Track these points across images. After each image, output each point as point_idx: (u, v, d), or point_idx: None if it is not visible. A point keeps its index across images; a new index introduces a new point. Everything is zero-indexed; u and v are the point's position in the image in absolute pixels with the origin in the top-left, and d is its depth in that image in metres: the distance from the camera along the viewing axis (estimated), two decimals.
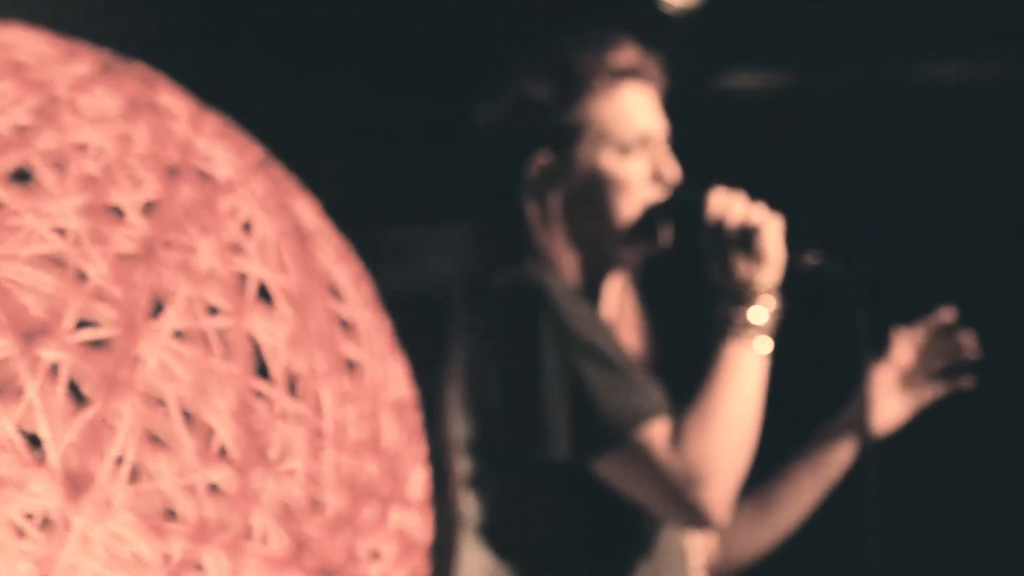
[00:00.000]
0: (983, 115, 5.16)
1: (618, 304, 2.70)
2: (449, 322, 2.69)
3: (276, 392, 1.12)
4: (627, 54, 2.67)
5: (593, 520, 2.52)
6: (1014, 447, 5.30)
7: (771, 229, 2.58)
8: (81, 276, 1.21)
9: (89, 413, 1.14)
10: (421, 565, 1.17)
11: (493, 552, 2.54)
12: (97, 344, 1.26)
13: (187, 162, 1.16)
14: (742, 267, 2.57)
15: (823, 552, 3.91)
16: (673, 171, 2.63)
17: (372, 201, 5.50)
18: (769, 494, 2.89)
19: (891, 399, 2.89)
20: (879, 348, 2.86)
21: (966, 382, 2.90)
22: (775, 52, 5.28)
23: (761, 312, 2.51)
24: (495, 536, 2.56)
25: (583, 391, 2.46)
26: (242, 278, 1.16)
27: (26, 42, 1.33)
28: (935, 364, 2.93)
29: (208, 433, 1.13)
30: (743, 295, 2.52)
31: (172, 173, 1.14)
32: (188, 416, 1.15)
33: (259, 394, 1.17)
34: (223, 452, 1.15)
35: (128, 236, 1.12)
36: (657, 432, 2.45)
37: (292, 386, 1.17)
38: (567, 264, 2.58)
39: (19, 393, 1.22)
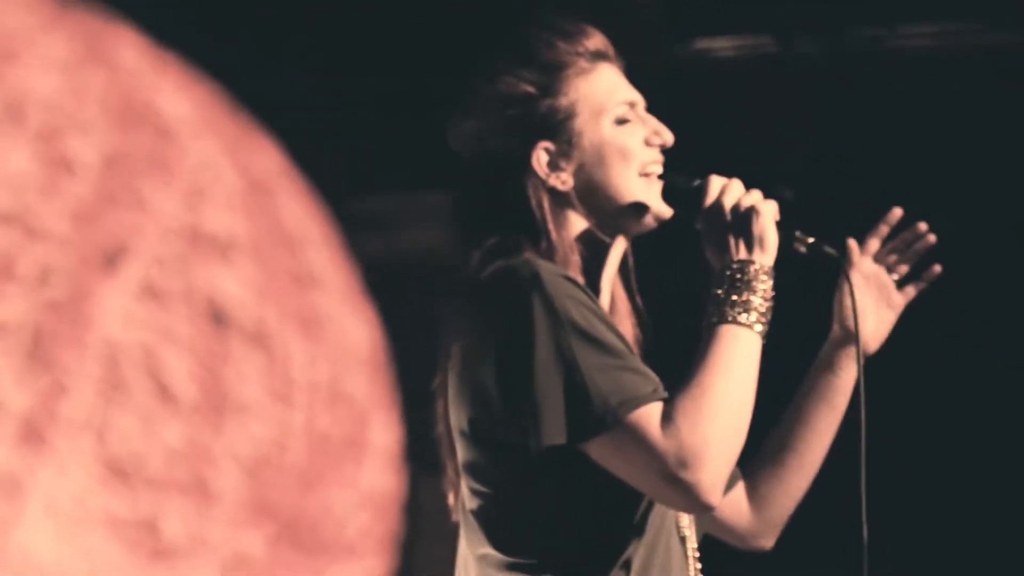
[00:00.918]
0: (958, 80, 5.17)
1: (612, 293, 2.73)
2: (431, 290, 2.69)
3: (240, 345, 1.10)
4: (596, 39, 2.71)
5: (589, 507, 2.51)
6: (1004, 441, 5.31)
7: (767, 213, 2.62)
8: (34, 232, 1.18)
9: (47, 372, 1.12)
10: (390, 523, 1.16)
11: (488, 539, 2.54)
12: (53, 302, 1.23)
13: (147, 111, 1.14)
14: (740, 249, 2.60)
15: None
16: (666, 134, 2.68)
17: (348, 169, 5.49)
18: (787, 441, 2.95)
19: (871, 312, 2.96)
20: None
21: (933, 272, 2.98)
22: (750, 18, 5.27)
23: (757, 293, 2.53)
24: (490, 523, 2.55)
25: (576, 374, 2.45)
26: (204, 230, 1.13)
27: None
28: (899, 266, 3.03)
29: (169, 387, 1.11)
30: (740, 277, 2.55)
31: (131, 123, 1.12)
32: (149, 370, 1.13)
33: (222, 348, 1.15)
34: (185, 406, 1.13)
35: (83, 189, 1.10)
36: (650, 414, 2.44)
37: (257, 338, 1.14)
38: (570, 251, 2.60)
39: None
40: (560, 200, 2.65)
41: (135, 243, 1.03)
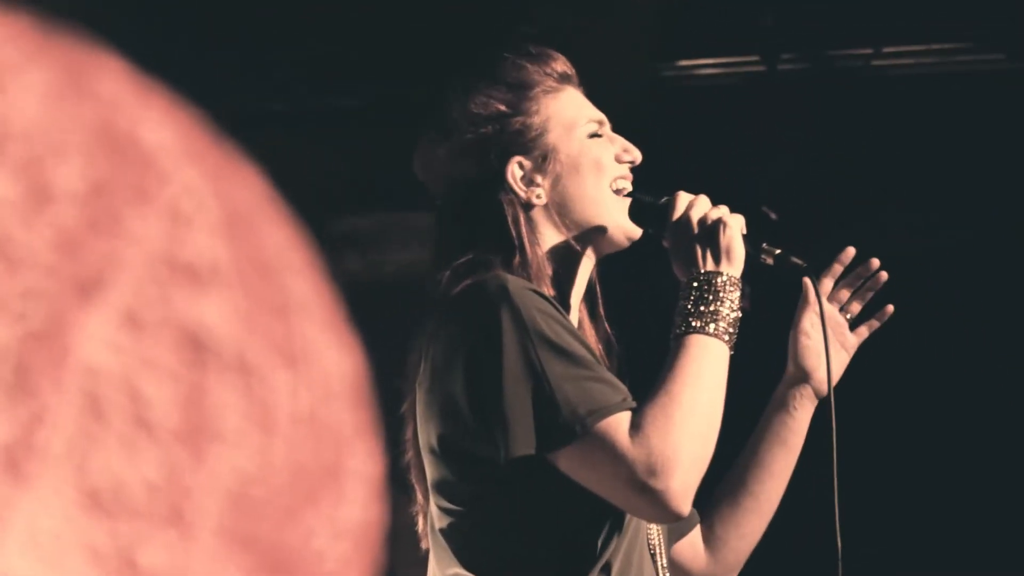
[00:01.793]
0: (943, 100, 5.19)
1: (580, 314, 2.73)
2: (407, 308, 2.69)
3: (221, 374, 1.09)
4: (562, 64, 2.76)
5: (560, 521, 2.49)
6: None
7: (734, 225, 2.63)
8: (14, 261, 1.16)
9: (27, 402, 1.10)
10: (372, 553, 1.14)
11: (458, 558, 2.52)
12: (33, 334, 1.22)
13: (129, 140, 1.13)
14: (707, 261, 2.61)
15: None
16: (635, 151, 2.71)
17: (328, 188, 5.48)
18: (743, 482, 2.92)
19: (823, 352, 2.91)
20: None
21: (886, 312, 2.92)
22: (736, 39, 5.29)
23: (725, 304, 2.54)
24: (459, 541, 2.51)
25: (545, 384, 2.44)
26: (185, 258, 1.12)
27: None
28: (852, 304, 2.99)
29: (149, 418, 1.10)
30: (708, 288, 2.55)
31: (113, 152, 1.11)
32: (130, 401, 1.12)
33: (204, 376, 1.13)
34: (164, 436, 1.12)
35: (64, 218, 1.09)
36: (619, 423, 2.43)
37: (238, 367, 1.13)
38: (544, 266, 2.61)
39: None
40: (535, 215, 2.66)
41: (116, 272, 1.02)
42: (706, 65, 5.37)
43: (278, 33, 5.00)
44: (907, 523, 5.32)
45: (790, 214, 2.79)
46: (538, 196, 2.66)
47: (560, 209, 2.67)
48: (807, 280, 2.90)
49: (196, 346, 1.03)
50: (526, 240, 2.62)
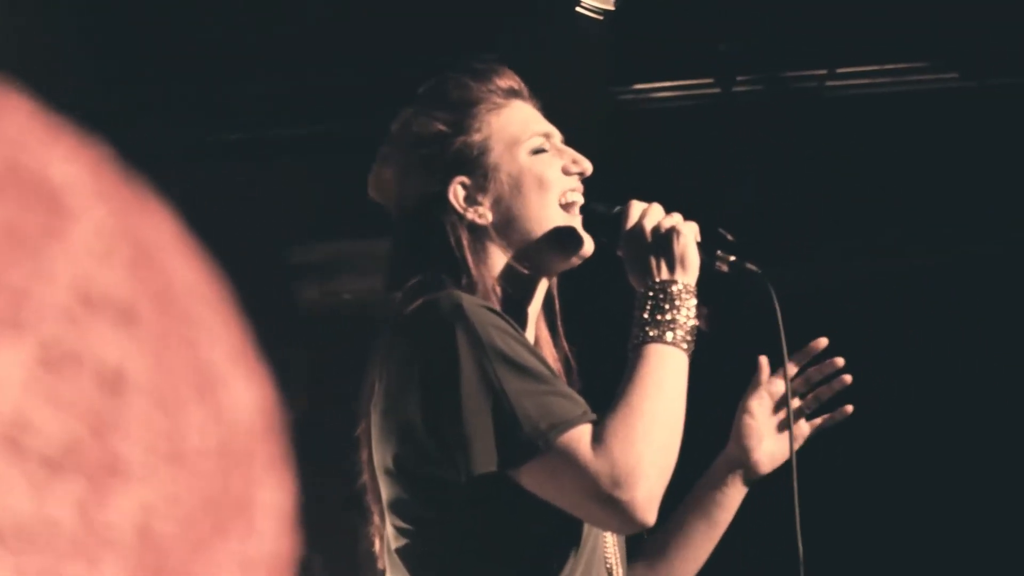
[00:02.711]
0: (897, 120, 5.21)
1: (536, 333, 2.71)
2: (365, 338, 2.67)
3: (130, 409, 1.09)
4: (508, 78, 2.72)
5: (519, 539, 2.47)
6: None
7: (688, 233, 2.61)
8: None
9: None
10: None
11: (412, 573, 2.50)
12: None
13: (35, 179, 1.13)
14: (662, 270, 2.59)
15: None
16: (584, 163, 2.69)
17: (287, 218, 5.48)
18: (664, 548, 2.86)
19: (769, 435, 2.88)
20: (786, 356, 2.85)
21: (844, 411, 2.84)
22: (691, 63, 5.30)
23: (681, 312, 2.52)
24: (416, 561, 2.49)
25: (504, 401, 2.42)
26: (94, 295, 1.12)
27: None
28: (808, 396, 2.88)
29: (55, 455, 1.10)
30: (663, 297, 2.53)
31: (19, 190, 1.11)
32: (35, 437, 1.12)
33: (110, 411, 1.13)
34: (71, 472, 1.12)
35: None
36: (581, 436, 2.42)
37: (147, 402, 1.13)
38: (492, 287, 2.59)
39: None
40: (480, 235, 2.63)
41: (25, 312, 1.01)
42: (662, 88, 5.38)
43: (235, 65, 5.01)
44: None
45: (748, 236, 2.78)
46: (481, 215, 2.63)
47: (505, 228, 2.64)
48: (763, 359, 2.85)
49: (103, 381, 1.02)
50: (469, 261, 2.59)
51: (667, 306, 2.53)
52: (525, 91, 2.74)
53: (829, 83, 5.26)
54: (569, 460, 2.38)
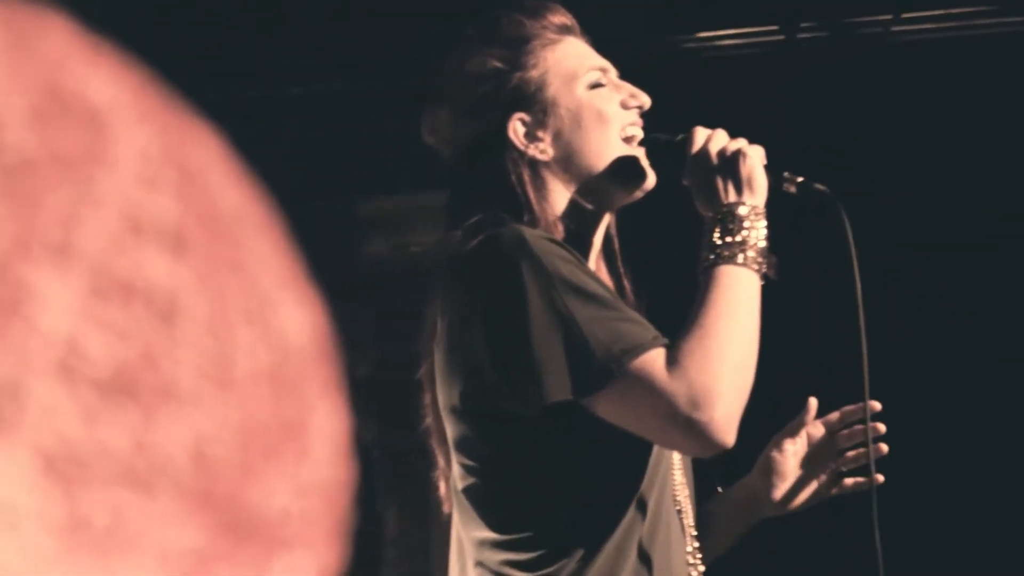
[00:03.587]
0: (964, 66, 5.13)
1: (595, 262, 2.69)
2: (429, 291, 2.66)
3: (180, 334, 1.08)
4: (560, 14, 2.70)
5: (587, 475, 2.44)
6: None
7: (754, 155, 2.59)
8: None
9: None
10: (341, 514, 1.12)
11: (482, 518, 2.46)
12: None
13: (79, 101, 1.12)
14: (729, 192, 2.56)
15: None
16: (642, 96, 2.68)
17: (353, 172, 5.48)
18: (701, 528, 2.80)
19: (790, 475, 2.81)
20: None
21: (872, 481, 2.70)
22: (754, 9, 5.24)
23: (752, 234, 2.50)
24: (484, 500, 2.46)
25: (575, 328, 2.38)
26: (141, 219, 1.11)
27: None
28: (846, 454, 2.80)
29: (105, 379, 1.09)
30: (732, 219, 2.51)
31: (63, 113, 1.10)
32: (85, 362, 1.11)
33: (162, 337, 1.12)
34: (122, 397, 1.11)
35: (14, 184, 1.07)
36: (655, 359, 2.38)
37: (197, 327, 1.12)
38: (554, 224, 2.57)
39: None
40: (541, 171, 2.60)
41: (71, 234, 1.00)
42: (725, 36, 5.33)
43: (296, 17, 5.01)
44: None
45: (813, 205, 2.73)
46: (542, 151, 2.61)
47: (566, 164, 2.62)
48: (812, 401, 2.80)
49: (153, 307, 1.01)
50: (531, 197, 2.57)
51: (736, 228, 2.50)
52: (577, 28, 2.72)
53: (894, 28, 5.18)
54: (645, 383, 2.35)
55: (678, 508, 2.59)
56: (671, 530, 2.53)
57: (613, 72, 2.70)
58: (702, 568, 2.62)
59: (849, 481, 2.82)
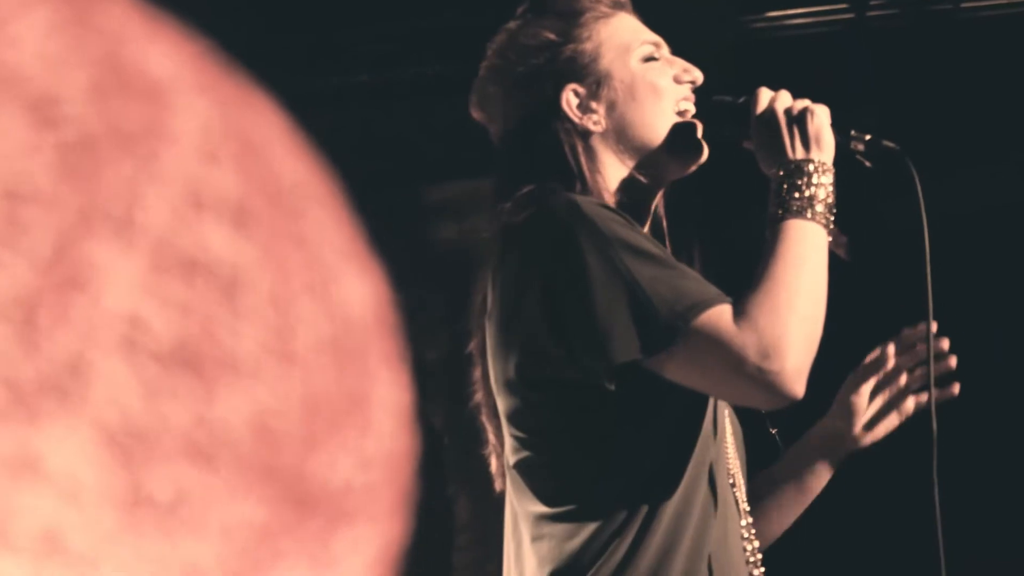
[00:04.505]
0: None
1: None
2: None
3: (242, 306, 1.07)
4: None
5: (639, 450, 2.44)
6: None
7: (821, 113, 2.57)
8: (33, 201, 1.14)
9: (49, 342, 1.09)
10: (403, 485, 1.11)
11: (534, 492, 2.44)
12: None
13: (139, 73, 1.11)
14: (797, 149, 2.54)
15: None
16: (695, 71, 2.68)
17: (422, 157, 5.47)
18: (754, 506, 2.73)
19: (873, 410, 2.83)
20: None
21: (951, 391, 2.75)
22: None
23: (820, 190, 2.48)
24: (536, 474, 2.44)
25: (637, 288, 2.37)
26: (203, 192, 1.10)
27: None
28: (915, 375, 2.83)
29: (169, 351, 1.08)
30: (800, 175, 2.51)
31: (124, 86, 1.09)
32: (148, 335, 1.10)
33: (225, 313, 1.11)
34: (185, 369, 1.10)
35: (77, 156, 1.06)
36: (721, 313, 2.34)
37: (258, 299, 1.10)
38: (607, 195, 2.56)
39: None
40: (594, 143, 2.60)
41: (133, 209, 0.99)
42: (794, 15, 5.29)
43: (364, 6, 5.02)
44: None
45: (882, 163, 2.70)
46: (595, 123, 2.61)
47: (619, 136, 2.61)
48: (891, 347, 2.82)
49: (215, 281, 1.00)
50: (584, 168, 2.56)
51: (805, 183, 2.49)
52: (629, 4, 2.72)
53: (964, 4, 5.11)
54: (712, 337, 2.34)
55: (731, 482, 2.58)
56: (727, 506, 2.52)
57: (665, 48, 2.70)
58: (756, 543, 2.60)
59: (923, 396, 2.82)
